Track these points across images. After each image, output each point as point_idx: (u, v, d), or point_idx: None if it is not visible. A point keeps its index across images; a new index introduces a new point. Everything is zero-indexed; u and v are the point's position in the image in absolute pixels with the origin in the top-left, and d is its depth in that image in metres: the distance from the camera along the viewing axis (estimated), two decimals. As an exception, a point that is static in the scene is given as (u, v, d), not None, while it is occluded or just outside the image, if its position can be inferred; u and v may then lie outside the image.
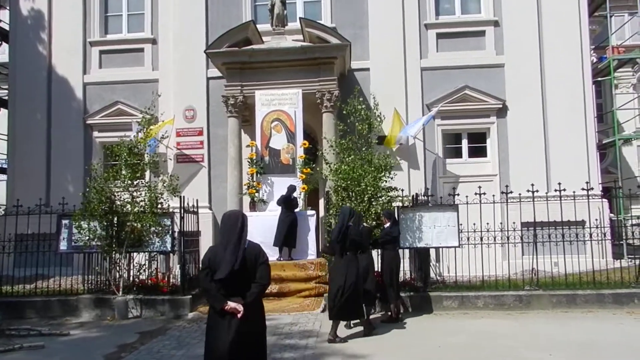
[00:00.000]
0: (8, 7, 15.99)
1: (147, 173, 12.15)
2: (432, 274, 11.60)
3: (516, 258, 10.69)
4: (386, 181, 9.96)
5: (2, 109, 16.85)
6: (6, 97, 16.04)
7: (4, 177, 15.84)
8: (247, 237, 4.31)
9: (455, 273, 9.99)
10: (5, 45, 17.02)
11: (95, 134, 14.83)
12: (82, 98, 14.85)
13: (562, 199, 9.75)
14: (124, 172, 9.91)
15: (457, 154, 14.20)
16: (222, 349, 4.11)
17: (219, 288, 4.15)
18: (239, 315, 4.08)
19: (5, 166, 15.89)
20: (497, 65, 13.90)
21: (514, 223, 10.02)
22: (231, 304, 4.09)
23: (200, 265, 4.93)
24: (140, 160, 10.16)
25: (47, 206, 11.03)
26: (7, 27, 16.05)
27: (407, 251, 10.21)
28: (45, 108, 14.85)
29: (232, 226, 4.28)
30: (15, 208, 10.39)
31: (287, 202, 11.50)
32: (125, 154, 10.08)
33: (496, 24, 14.05)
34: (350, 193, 9.75)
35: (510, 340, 7.31)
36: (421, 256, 9.92)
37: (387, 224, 8.91)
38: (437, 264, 12.22)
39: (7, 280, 10.53)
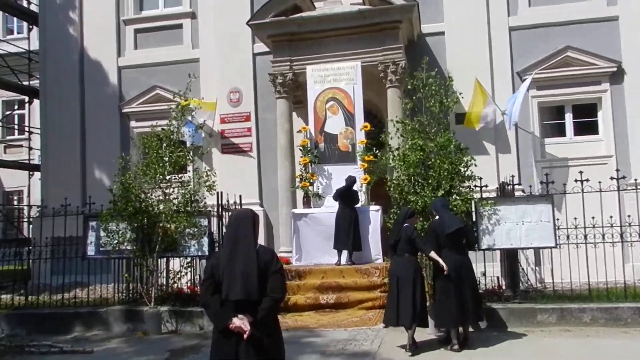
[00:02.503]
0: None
1: (190, 167, 12.37)
2: (532, 280, 11.00)
3: (634, 261, 9.85)
4: (460, 170, 9.40)
5: (35, 99, 17.77)
6: (38, 87, 16.87)
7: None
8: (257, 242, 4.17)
9: (553, 279, 9.33)
10: (35, 31, 17.95)
11: (133, 123, 15.30)
12: (117, 84, 15.39)
13: (695, 184, 8.86)
14: (153, 165, 10.03)
15: (560, 131, 13.37)
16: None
17: (223, 302, 3.98)
18: (245, 336, 3.90)
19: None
20: (609, 18, 12.90)
21: (629, 216, 9.21)
22: (236, 322, 3.92)
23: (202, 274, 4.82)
24: (173, 153, 10.24)
25: (84, 206, 11.29)
26: (36, 10, 16.91)
27: (495, 253, 9.71)
28: (78, 96, 15.48)
29: (242, 229, 4.14)
30: (40, 209, 10.89)
31: (346, 196, 11.28)
32: (155, 145, 10.20)
33: (607, -34, 13.06)
34: (417, 185, 9.28)
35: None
36: (508, 259, 9.37)
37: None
38: (537, 269, 11.59)
39: (44, 288, 11.03)
